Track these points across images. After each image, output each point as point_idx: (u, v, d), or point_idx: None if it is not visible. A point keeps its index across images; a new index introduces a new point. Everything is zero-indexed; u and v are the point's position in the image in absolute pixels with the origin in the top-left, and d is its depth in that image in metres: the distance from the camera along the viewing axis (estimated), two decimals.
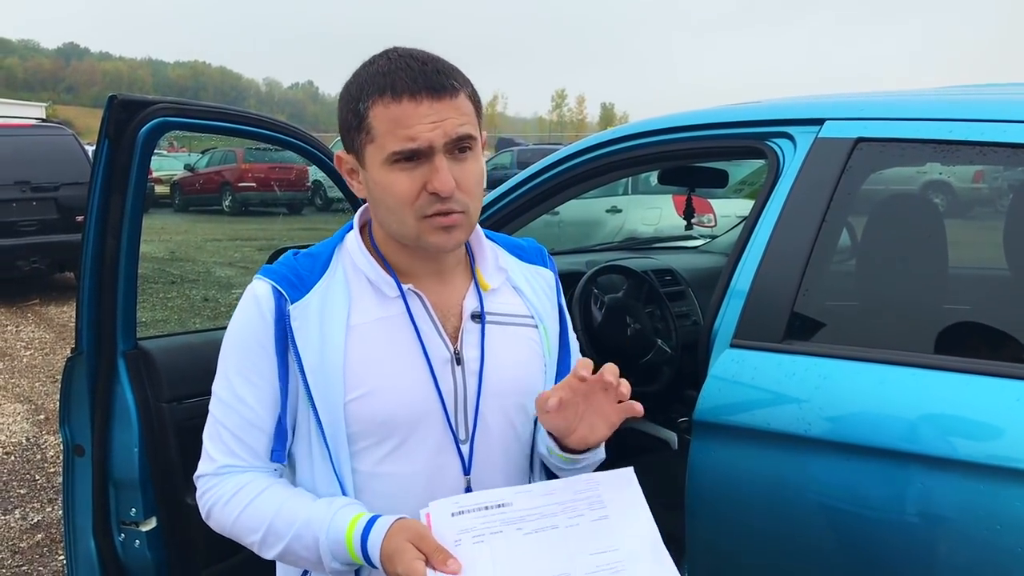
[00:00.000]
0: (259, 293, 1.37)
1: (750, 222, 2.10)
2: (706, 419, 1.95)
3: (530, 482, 1.50)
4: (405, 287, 1.39)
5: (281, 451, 1.40)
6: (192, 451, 2.16)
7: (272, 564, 2.38)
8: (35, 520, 4.43)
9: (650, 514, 1.36)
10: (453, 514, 1.29)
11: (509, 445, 1.47)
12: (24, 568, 3.94)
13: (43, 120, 12.66)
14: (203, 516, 1.43)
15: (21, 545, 4.16)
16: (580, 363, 1.30)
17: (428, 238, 1.34)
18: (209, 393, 2.19)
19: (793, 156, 2.08)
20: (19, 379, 7.04)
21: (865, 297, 2.08)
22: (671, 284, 3.50)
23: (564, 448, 1.43)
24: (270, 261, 3.02)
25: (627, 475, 1.39)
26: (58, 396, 2.27)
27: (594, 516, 1.33)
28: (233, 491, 1.37)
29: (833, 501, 1.80)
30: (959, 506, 1.64)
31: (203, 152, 25.52)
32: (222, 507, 1.38)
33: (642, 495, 1.37)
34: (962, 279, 2.48)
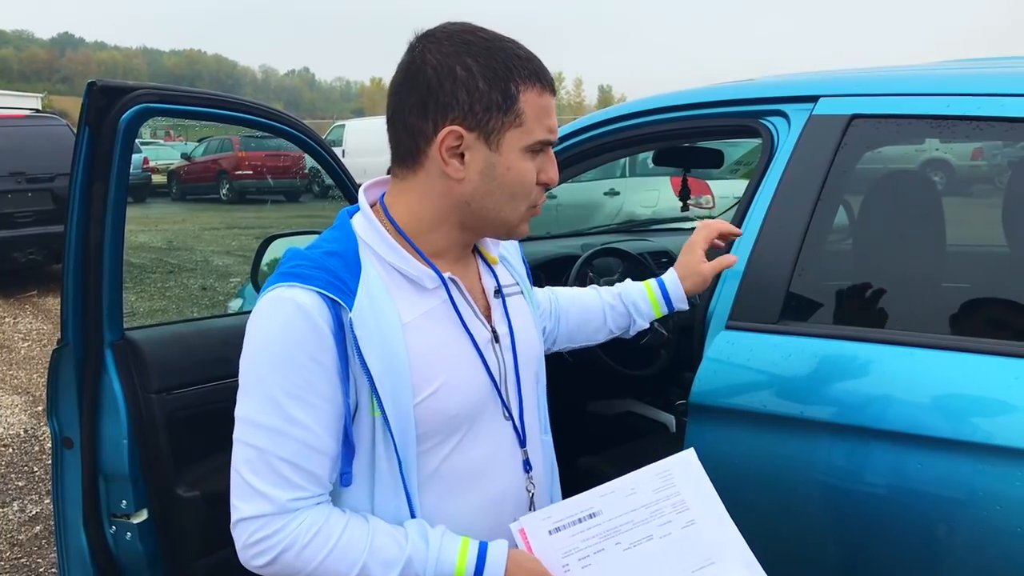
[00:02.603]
0: (305, 303, 1.23)
1: (744, 202, 2.08)
2: (702, 401, 1.93)
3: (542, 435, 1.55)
4: (446, 275, 1.36)
5: (350, 472, 1.29)
6: (182, 441, 2.16)
7: None
8: (33, 512, 4.42)
9: (724, 509, 1.41)
10: (550, 532, 1.32)
11: (540, 410, 1.53)
12: (23, 560, 3.93)
13: (38, 111, 12.60)
14: (256, 563, 1.26)
15: (19, 537, 4.15)
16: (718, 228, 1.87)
17: (523, 228, 1.38)
18: (199, 383, 2.21)
19: (787, 134, 2.05)
20: (17, 371, 7.03)
21: (861, 277, 2.05)
22: (668, 266, 3.45)
23: (668, 300, 1.83)
24: (261, 249, 3.01)
25: (691, 459, 1.45)
26: None
27: (682, 522, 1.37)
28: (311, 534, 1.24)
29: (829, 482, 1.78)
30: (958, 486, 1.62)
31: (199, 141, 25.46)
32: (297, 553, 1.24)
33: (708, 480, 1.43)
34: (961, 257, 2.46)
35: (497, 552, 1.29)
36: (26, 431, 5.62)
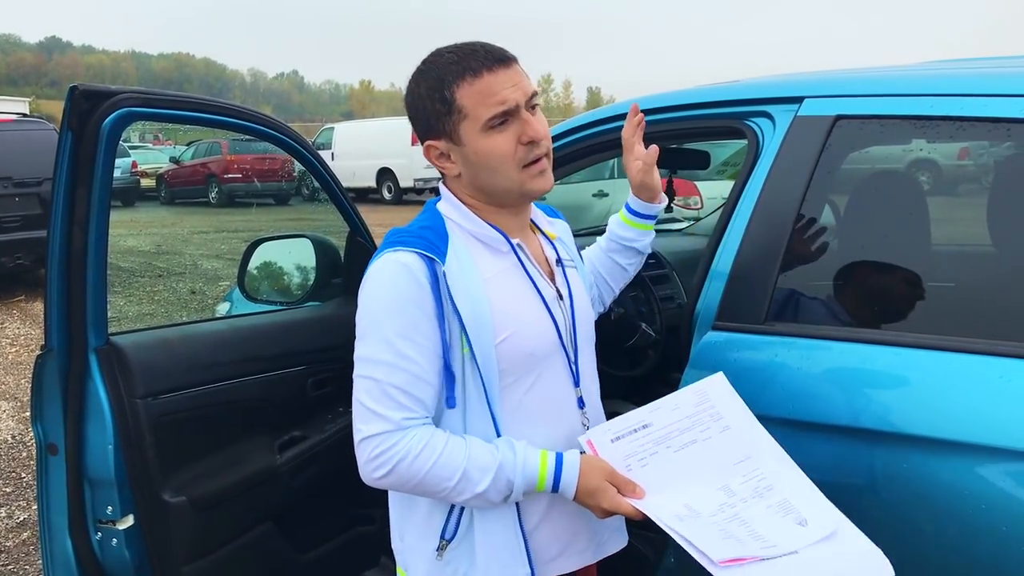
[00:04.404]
0: (408, 262, 1.52)
1: (730, 203, 2.08)
2: None
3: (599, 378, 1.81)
4: (514, 241, 1.64)
5: (453, 396, 1.56)
6: (168, 446, 2.15)
7: (255, 555, 2.36)
8: (21, 518, 4.40)
9: (754, 417, 1.66)
10: (612, 441, 1.59)
11: (591, 361, 1.77)
12: (10, 567, 3.90)
13: (25, 115, 12.53)
14: (379, 474, 1.51)
15: (7, 544, 4.12)
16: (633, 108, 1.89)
17: (531, 185, 1.58)
18: (185, 387, 2.20)
19: (772, 135, 2.06)
20: (4, 376, 6.99)
21: (847, 277, 2.05)
22: (655, 267, 3.46)
23: (639, 214, 1.97)
24: (247, 253, 3.01)
25: (721, 380, 1.69)
26: None
27: (719, 428, 1.63)
28: (421, 446, 1.50)
29: (819, 483, 1.78)
30: (946, 485, 1.63)
31: (188, 144, 25.38)
32: (411, 462, 1.50)
33: (738, 396, 1.67)
34: (947, 256, 2.46)
35: (572, 457, 1.56)
36: (14, 437, 5.59)
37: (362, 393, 1.53)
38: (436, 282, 1.52)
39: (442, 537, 1.60)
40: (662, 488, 1.55)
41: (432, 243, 1.56)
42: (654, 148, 1.90)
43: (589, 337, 1.77)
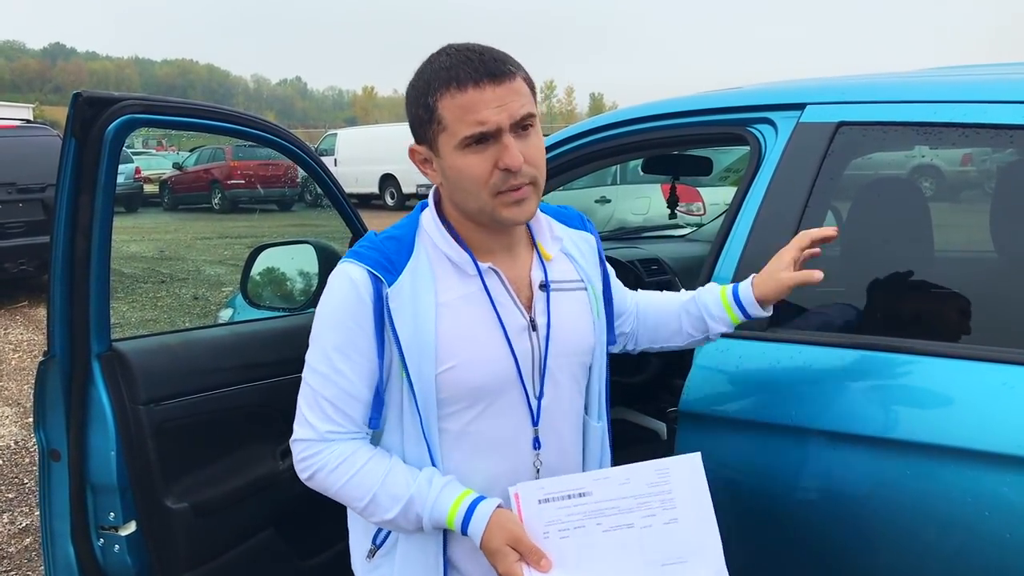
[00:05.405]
0: (355, 277, 1.48)
1: (733, 209, 2.08)
2: (692, 409, 1.94)
3: (587, 413, 1.70)
4: (484, 266, 1.54)
5: (378, 418, 1.54)
6: (171, 453, 2.15)
7: (257, 562, 2.36)
8: (23, 524, 4.40)
9: (713, 515, 1.48)
10: (540, 501, 1.46)
11: (574, 396, 1.65)
12: (12, 574, 3.90)
13: (29, 121, 12.54)
14: (304, 477, 1.55)
15: (9, 550, 4.12)
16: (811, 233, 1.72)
17: (502, 213, 1.47)
18: (187, 393, 2.21)
19: (775, 142, 2.06)
20: (7, 382, 6.99)
21: (849, 283, 2.05)
22: (658, 273, 3.47)
23: (741, 307, 1.74)
24: (250, 259, 3.01)
25: (694, 462, 1.51)
26: None
27: (665, 518, 1.46)
28: (338, 461, 1.51)
29: (817, 490, 1.78)
30: (946, 492, 1.63)
31: (191, 150, 25.44)
32: (327, 474, 1.52)
33: (706, 486, 1.50)
34: (949, 263, 2.46)
35: (485, 508, 1.47)
36: (16, 443, 5.59)
37: (300, 396, 1.56)
38: (380, 301, 1.48)
39: (373, 542, 1.61)
40: (573, 566, 1.43)
41: (387, 259, 1.50)
42: (819, 275, 1.70)
43: (574, 370, 1.64)
